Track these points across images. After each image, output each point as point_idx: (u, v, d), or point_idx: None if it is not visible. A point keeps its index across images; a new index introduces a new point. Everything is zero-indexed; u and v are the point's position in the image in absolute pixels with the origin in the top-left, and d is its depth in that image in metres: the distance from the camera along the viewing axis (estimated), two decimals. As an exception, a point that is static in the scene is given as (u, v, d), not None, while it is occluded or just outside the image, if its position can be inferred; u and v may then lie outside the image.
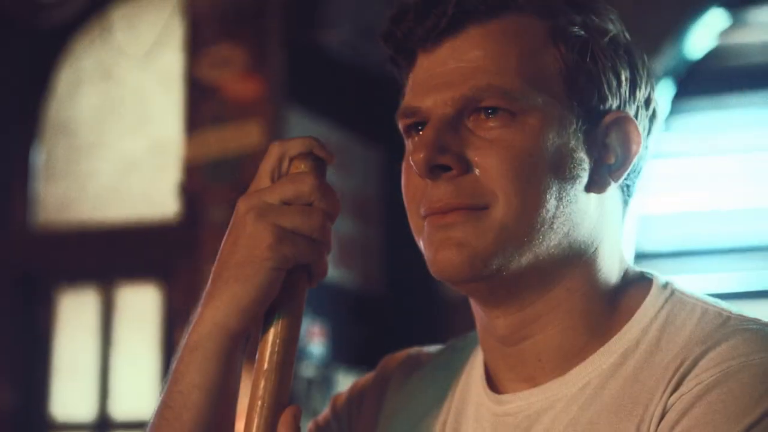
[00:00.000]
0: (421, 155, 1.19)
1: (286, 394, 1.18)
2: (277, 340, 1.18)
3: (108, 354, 4.45)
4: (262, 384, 1.17)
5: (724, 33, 4.11)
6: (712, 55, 4.11)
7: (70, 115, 4.72)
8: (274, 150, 1.23)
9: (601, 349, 1.22)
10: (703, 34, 4.08)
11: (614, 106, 1.23)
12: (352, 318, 4.19)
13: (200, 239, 3.87)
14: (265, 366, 1.18)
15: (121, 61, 4.63)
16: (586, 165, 1.21)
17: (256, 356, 1.19)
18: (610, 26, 1.25)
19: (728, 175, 4.07)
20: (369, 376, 1.44)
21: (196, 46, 4.04)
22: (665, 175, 4.09)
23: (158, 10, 4.55)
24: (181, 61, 4.22)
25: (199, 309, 1.21)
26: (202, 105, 3.97)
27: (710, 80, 4.11)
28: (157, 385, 4.23)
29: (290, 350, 1.19)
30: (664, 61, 3.98)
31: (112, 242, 4.41)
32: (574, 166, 1.20)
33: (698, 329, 1.19)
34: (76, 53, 4.73)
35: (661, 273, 1.30)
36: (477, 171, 1.18)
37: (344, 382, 3.92)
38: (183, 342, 1.22)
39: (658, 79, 3.98)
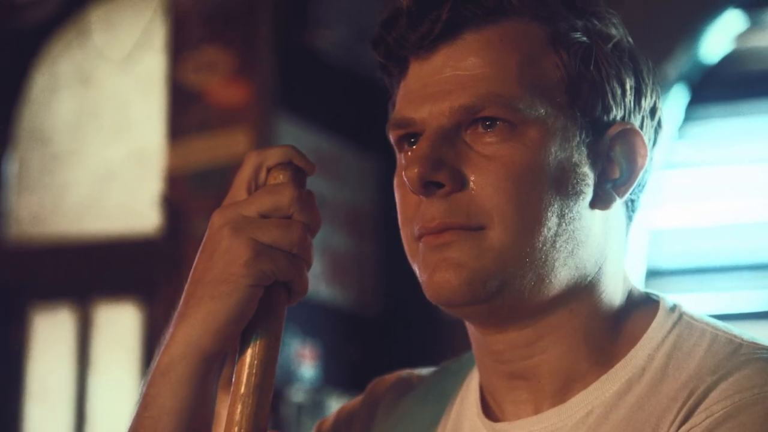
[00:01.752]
0: (415, 171, 1.19)
1: (264, 419, 1.18)
2: (255, 362, 1.18)
3: (85, 376, 4.45)
4: (239, 409, 1.17)
5: (742, 36, 4.12)
6: (729, 60, 4.12)
7: (46, 122, 4.72)
8: (251, 160, 1.23)
9: (604, 376, 1.22)
10: (719, 37, 4.09)
11: (619, 116, 1.23)
12: (345, 339, 4.19)
13: (183, 254, 3.86)
14: (242, 389, 1.17)
15: (100, 64, 4.64)
16: (589, 180, 1.21)
17: (233, 379, 1.19)
18: (613, 31, 1.25)
19: (745, 187, 4.08)
20: (357, 399, 1.44)
21: (179, 49, 4.04)
22: (678, 187, 4.09)
23: (139, 11, 4.56)
24: (164, 64, 4.23)
25: (171, 329, 1.20)
26: (186, 111, 3.97)
27: (726, 86, 4.12)
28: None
29: (269, 372, 1.19)
30: (677, 65, 3.99)
31: (89, 257, 4.41)
32: (577, 182, 1.20)
33: (708, 357, 1.19)
34: (52, 56, 4.74)
35: (673, 291, 1.30)
36: (473, 189, 1.18)
37: (337, 408, 3.91)
38: (153, 364, 1.21)
39: (670, 84, 3.99)
